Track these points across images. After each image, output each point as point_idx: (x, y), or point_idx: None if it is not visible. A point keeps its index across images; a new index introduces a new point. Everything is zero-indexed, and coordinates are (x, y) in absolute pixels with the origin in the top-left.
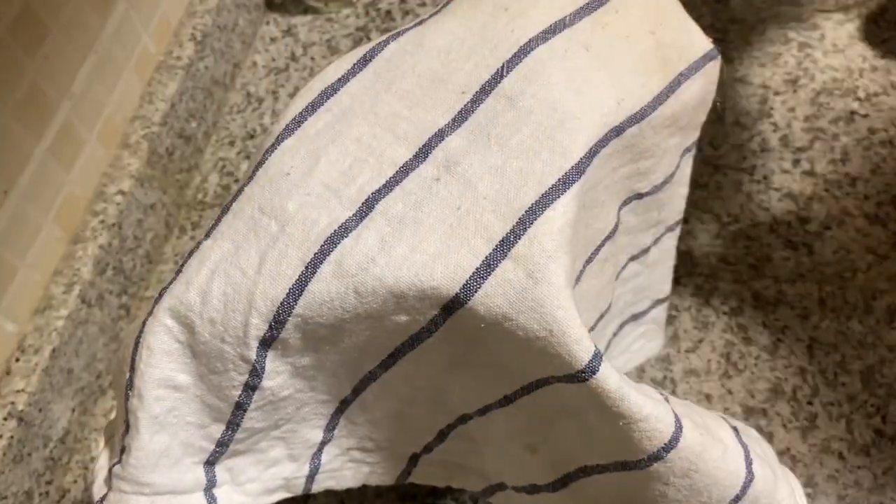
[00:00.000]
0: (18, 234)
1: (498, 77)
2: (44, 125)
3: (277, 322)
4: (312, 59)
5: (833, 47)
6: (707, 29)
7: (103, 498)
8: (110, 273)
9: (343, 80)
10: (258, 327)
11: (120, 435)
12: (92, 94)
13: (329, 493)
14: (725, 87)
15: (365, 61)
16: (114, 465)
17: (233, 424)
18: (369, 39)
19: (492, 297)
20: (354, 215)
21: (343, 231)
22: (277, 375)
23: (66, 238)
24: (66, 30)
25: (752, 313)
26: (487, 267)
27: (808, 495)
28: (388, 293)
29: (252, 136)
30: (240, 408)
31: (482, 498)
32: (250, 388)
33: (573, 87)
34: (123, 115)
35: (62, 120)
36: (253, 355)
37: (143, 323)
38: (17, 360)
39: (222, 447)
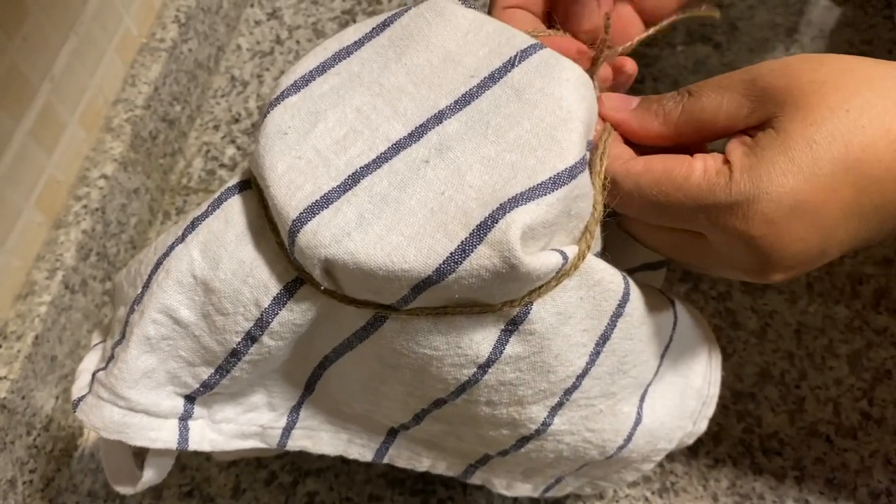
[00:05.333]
0: None
1: (509, 65)
2: (24, 107)
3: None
4: (298, 42)
5: (820, 33)
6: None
7: (80, 399)
8: (94, 259)
9: (358, 44)
10: (277, 285)
11: (113, 343)
12: (73, 76)
13: (319, 479)
14: (714, 72)
15: (383, 26)
16: (98, 371)
17: (222, 370)
18: (355, 23)
19: (465, 279)
20: (338, 187)
21: (324, 202)
22: (280, 339)
23: (48, 223)
24: (45, 10)
25: (740, 298)
26: (462, 252)
27: (795, 478)
28: (358, 269)
29: (237, 121)
30: (234, 355)
31: (463, 480)
32: (251, 338)
33: (585, 84)
34: (105, 98)
35: (43, 102)
36: (266, 302)
37: (171, 246)
38: None
39: (205, 388)
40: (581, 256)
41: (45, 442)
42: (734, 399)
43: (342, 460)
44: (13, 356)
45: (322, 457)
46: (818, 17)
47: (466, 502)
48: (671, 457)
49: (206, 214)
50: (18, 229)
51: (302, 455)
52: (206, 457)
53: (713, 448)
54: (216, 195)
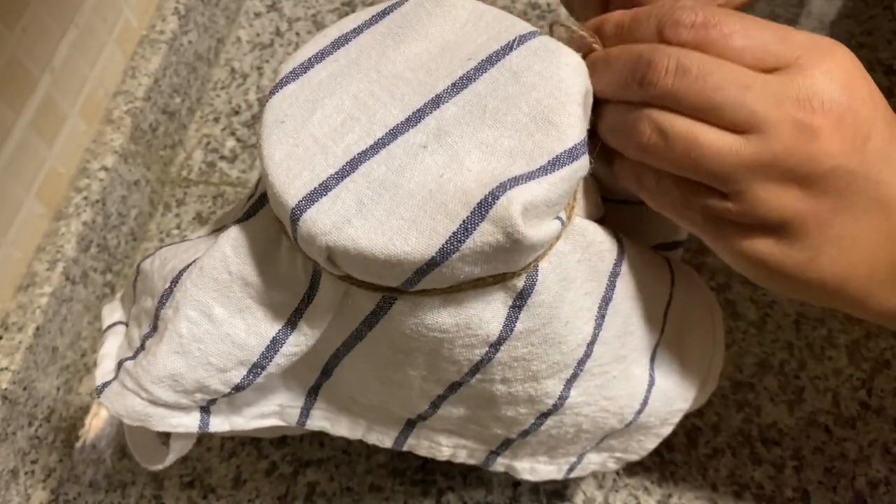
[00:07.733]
0: None
1: (507, 48)
2: (24, 99)
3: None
4: (297, 34)
5: (820, 24)
6: None
7: (105, 385)
8: (94, 250)
9: (357, 31)
10: (307, 274)
11: (142, 333)
12: (73, 67)
13: (319, 469)
14: None
15: (383, 14)
16: (126, 360)
17: (258, 367)
18: None
19: (469, 256)
20: (336, 174)
21: (323, 189)
22: (314, 327)
23: (49, 214)
24: (45, 1)
25: (740, 289)
26: (465, 231)
27: (794, 468)
28: (360, 255)
29: (237, 113)
30: (274, 345)
31: (485, 467)
32: (291, 325)
33: (584, 70)
34: (106, 90)
35: (43, 94)
36: (302, 290)
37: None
38: (1, 338)
39: (237, 391)
40: (570, 209)
41: (47, 433)
42: (733, 389)
43: (343, 451)
44: (14, 347)
45: (323, 447)
46: (818, 8)
47: (466, 492)
48: (670, 446)
49: (239, 220)
50: (19, 221)
51: (303, 445)
52: (207, 447)
53: (712, 438)
54: (250, 204)
